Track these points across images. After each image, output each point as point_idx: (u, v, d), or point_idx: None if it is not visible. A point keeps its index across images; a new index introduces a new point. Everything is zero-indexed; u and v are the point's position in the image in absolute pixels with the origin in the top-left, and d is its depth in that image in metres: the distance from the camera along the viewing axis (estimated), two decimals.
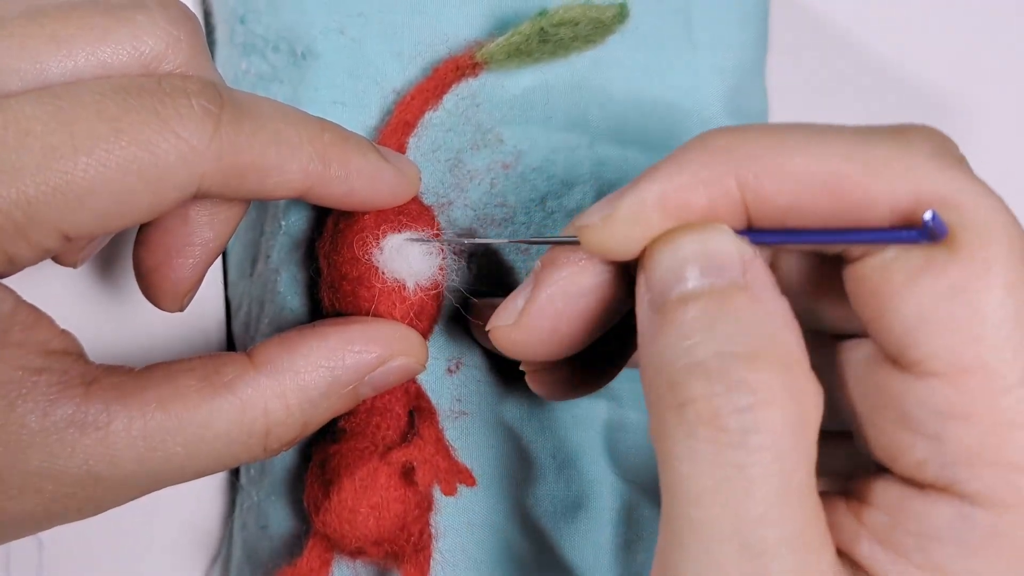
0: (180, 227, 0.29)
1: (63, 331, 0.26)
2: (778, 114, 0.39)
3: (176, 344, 0.37)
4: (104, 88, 0.25)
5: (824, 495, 0.24)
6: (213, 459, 0.27)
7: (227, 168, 0.26)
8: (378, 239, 0.30)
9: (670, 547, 0.23)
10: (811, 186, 0.23)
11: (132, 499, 0.27)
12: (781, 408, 0.22)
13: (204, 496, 0.38)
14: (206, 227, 0.29)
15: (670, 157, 0.24)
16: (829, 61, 0.42)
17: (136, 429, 0.26)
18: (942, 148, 0.23)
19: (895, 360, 0.23)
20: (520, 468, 0.35)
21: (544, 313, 0.27)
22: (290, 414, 0.28)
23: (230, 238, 0.30)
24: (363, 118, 0.33)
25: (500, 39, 0.32)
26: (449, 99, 0.34)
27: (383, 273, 0.30)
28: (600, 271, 0.27)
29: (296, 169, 0.27)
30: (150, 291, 0.30)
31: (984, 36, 0.42)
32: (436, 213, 0.33)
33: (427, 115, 0.34)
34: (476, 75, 0.33)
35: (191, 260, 0.29)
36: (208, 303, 0.37)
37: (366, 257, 0.30)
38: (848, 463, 0.26)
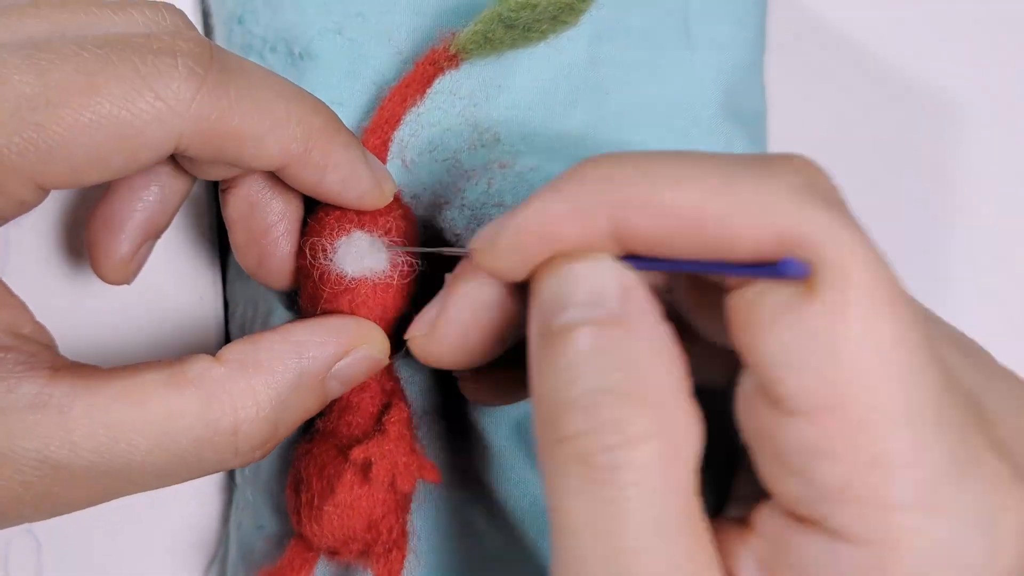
0: (125, 200, 0.30)
1: (38, 322, 0.27)
2: (777, 114, 0.39)
3: (174, 343, 0.37)
4: (86, 42, 0.25)
5: (721, 519, 0.25)
6: (178, 457, 0.26)
7: (206, 131, 0.26)
8: (333, 240, 0.30)
9: None
10: (676, 221, 0.23)
11: (96, 502, 0.27)
12: (649, 445, 0.22)
13: (202, 496, 0.38)
14: (154, 202, 0.30)
15: (549, 185, 0.25)
16: (828, 60, 0.42)
17: (97, 416, 0.25)
18: (809, 182, 0.23)
19: (759, 392, 0.23)
20: (509, 468, 0.35)
21: (453, 325, 0.27)
22: (260, 409, 0.27)
23: (174, 215, 0.31)
24: (360, 118, 0.34)
25: (466, 28, 0.32)
26: (446, 99, 0.34)
27: (338, 273, 0.30)
28: (502, 285, 0.27)
29: (275, 144, 0.27)
30: (94, 264, 0.31)
31: (984, 36, 0.42)
32: (434, 213, 0.34)
33: (424, 115, 0.34)
34: (456, 67, 0.33)
35: (131, 234, 0.30)
36: (207, 303, 0.37)
37: (321, 258, 0.30)
38: (751, 487, 0.26)
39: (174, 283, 0.37)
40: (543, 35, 0.32)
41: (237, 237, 0.31)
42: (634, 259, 0.24)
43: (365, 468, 0.31)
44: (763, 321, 0.22)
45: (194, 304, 0.37)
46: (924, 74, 0.42)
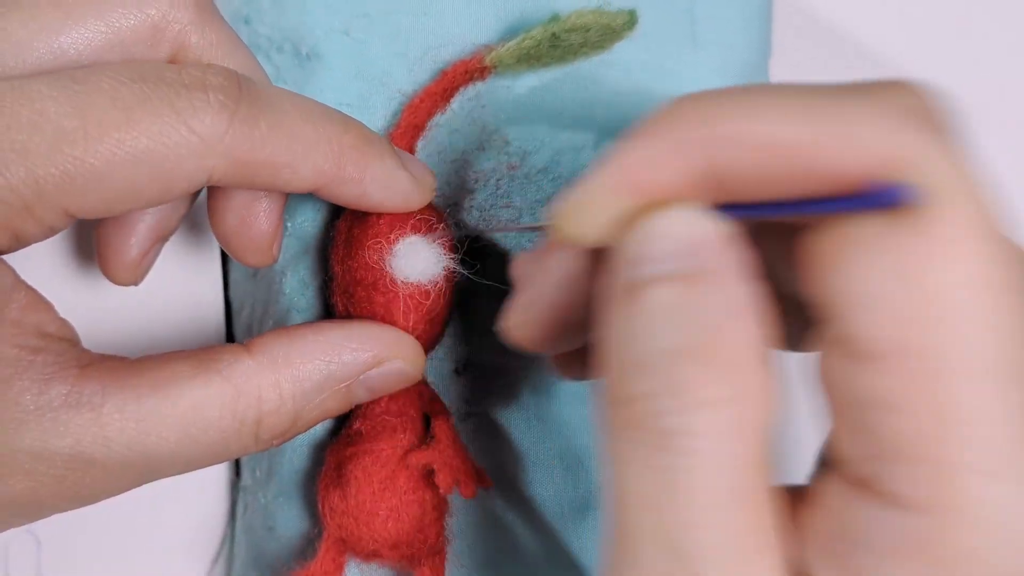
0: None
1: (61, 318, 0.27)
2: None
3: (174, 344, 0.37)
4: (122, 75, 0.25)
5: (791, 490, 0.22)
6: (204, 447, 0.27)
7: (239, 163, 0.26)
8: (392, 244, 0.30)
9: (607, 552, 0.21)
10: (771, 155, 0.21)
11: (123, 490, 0.27)
12: (715, 411, 0.20)
13: (205, 496, 0.38)
14: (165, 206, 0.30)
15: (639, 126, 0.22)
16: (831, 62, 0.42)
17: (129, 411, 0.26)
18: (914, 104, 0.21)
19: (835, 339, 0.21)
20: (528, 469, 0.35)
21: (537, 308, 0.26)
22: (283, 403, 0.28)
23: (184, 217, 0.31)
24: (369, 119, 0.33)
25: (511, 43, 0.32)
26: (454, 100, 0.34)
27: (398, 278, 0.30)
28: (584, 256, 0.25)
29: (309, 168, 0.27)
30: (103, 264, 0.31)
31: (985, 37, 0.42)
32: (442, 215, 0.34)
33: (433, 117, 0.34)
34: (484, 78, 0.33)
35: (142, 237, 0.30)
36: (207, 304, 0.37)
37: (380, 262, 0.30)
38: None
39: (175, 281, 0.37)
40: (576, 57, 0.32)
41: (217, 203, 0.30)
42: (728, 208, 0.22)
43: (425, 474, 0.31)
44: (841, 256, 0.20)
45: (194, 305, 0.37)
46: (926, 74, 0.42)
